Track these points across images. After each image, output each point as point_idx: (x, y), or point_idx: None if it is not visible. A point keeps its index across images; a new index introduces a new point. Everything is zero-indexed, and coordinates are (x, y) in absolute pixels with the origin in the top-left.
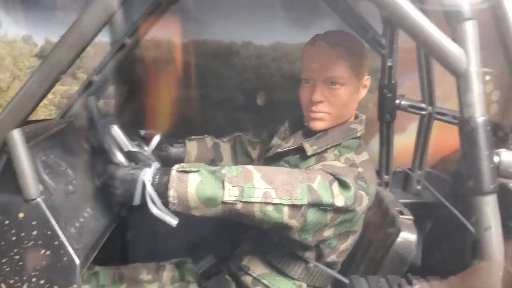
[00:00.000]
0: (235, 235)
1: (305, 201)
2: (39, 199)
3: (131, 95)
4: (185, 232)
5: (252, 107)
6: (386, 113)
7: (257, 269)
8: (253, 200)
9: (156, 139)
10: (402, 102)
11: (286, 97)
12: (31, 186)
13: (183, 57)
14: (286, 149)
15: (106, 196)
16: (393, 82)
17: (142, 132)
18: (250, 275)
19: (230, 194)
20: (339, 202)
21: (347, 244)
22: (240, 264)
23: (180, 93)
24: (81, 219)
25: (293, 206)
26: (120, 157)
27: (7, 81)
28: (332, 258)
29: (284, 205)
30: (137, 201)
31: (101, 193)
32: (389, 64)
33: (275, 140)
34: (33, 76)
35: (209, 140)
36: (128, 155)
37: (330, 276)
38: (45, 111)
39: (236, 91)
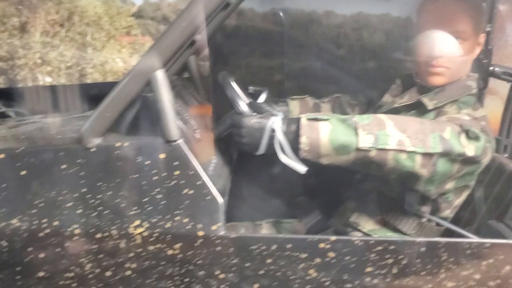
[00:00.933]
0: (339, 191)
1: (438, 150)
2: (180, 141)
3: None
4: (289, 189)
5: (329, 77)
6: (479, 79)
7: (367, 225)
8: (387, 147)
9: (263, 96)
10: (496, 69)
11: (364, 67)
12: (173, 127)
13: (263, 26)
14: (402, 104)
15: (224, 147)
16: (489, 47)
17: (250, 88)
18: (360, 231)
19: (364, 141)
20: (470, 151)
21: (461, 199)
22: (347, 221)
23: (259, 61)
24: (212, 165)
25: (426, 155)
26: (244, 107)
27: (103, 40)
28: (446, 213)
29: (417, 153)
30: (262, 149)
31: (219, 145)
32: (487, 29)
33: (387, 97)
34: (179, 18)
35: (310, 100)
36: (251, 105)
37: (440, 232)
38: None
39: (314, 61)
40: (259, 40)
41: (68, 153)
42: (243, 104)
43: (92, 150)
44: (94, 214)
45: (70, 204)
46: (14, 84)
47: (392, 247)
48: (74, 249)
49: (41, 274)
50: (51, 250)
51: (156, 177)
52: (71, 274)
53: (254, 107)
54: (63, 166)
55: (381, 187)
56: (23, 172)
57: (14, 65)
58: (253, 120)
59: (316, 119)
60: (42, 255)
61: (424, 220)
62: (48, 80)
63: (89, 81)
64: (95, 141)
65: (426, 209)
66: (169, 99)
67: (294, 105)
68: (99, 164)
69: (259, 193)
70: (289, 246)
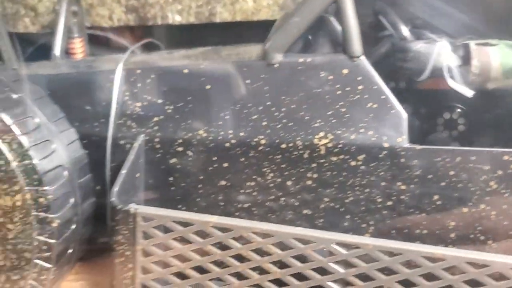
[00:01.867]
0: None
1: None
2: (362, 57)
3: None
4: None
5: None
6: None
7: None
8: None
9: None
10: None
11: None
12: (357, 43)
13: None
14: None
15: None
16: None
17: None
18: None
19: None
20: None
21: None
22: None
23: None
24: None
25: None
26: (406, 32)
27: None
28: None
29: None
30: (426, 74)
31: None
32: None
33: None
34: None
35: None
36: (413, 31)
37: None
38: (268, 11)
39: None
40: None
41: (252, 69)
42: (405, 29)
43: (275, 65)
44: (279, 126)
45: (255, 116)
46: (144, 22)
47: None
48: (258, 159)
49: (223, 182)
50: (235, 159)
51: (339, 92)
52: (253, 183)
53: (417, 32)
54: (247, 81)
55: None
56: (208, 86)
57: (145, 3)
58: (419, 45)
59: (485, 44)
60: (226, 164)
61: None
62: (177, 19)
63: (217, 20)
64: (278, 57)
65: None
66: (354, 16)
67: None
68: (283, 79)
69: None
70: (473, 158)
